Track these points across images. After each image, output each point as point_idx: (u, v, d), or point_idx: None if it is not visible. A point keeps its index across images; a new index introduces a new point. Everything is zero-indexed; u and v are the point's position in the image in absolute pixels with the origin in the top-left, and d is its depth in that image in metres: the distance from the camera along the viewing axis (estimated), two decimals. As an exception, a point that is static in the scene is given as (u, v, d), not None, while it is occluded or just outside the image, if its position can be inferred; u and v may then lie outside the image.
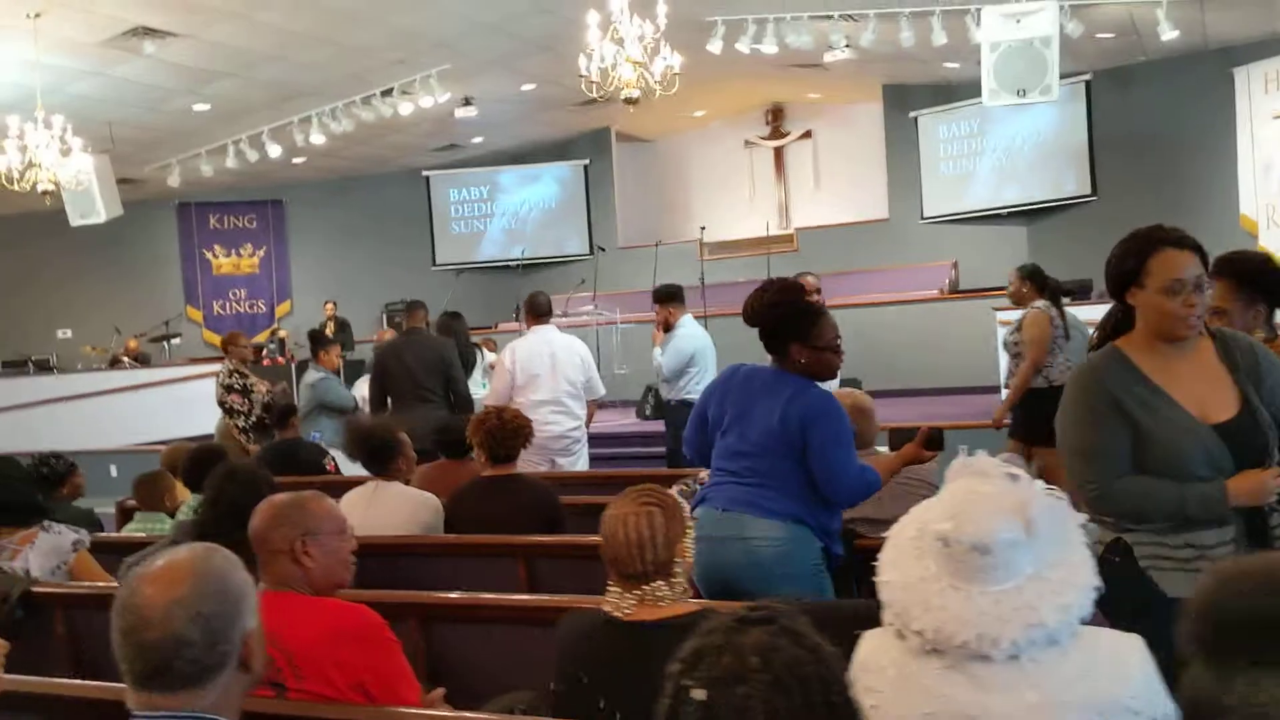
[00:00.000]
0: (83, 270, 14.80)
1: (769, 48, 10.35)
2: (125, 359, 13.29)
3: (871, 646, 1.87)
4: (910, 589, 1.81)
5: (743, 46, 10.34)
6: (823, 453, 3.17)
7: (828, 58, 10.81)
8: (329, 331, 12.70)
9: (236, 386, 7.32)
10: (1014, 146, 12.86)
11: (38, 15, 8.41)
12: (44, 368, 14.13)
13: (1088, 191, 12.29)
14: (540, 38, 10.75)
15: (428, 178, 15.65)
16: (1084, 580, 1.82)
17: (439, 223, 15.74)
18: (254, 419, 7.18)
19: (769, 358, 3.43)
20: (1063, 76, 12.08)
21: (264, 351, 12.77)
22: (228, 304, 15.55)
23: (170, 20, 9.06)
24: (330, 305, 13.84)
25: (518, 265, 15.19)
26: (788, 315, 3.32)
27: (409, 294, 14.88)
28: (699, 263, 14.68)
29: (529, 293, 6.77)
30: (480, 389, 7.52)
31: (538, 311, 6.55)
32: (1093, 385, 2.66)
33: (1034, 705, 1.73)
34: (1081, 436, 2.66)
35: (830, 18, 10.03)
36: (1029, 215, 13.02)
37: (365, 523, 4.16)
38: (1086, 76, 12.08)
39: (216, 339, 14.96)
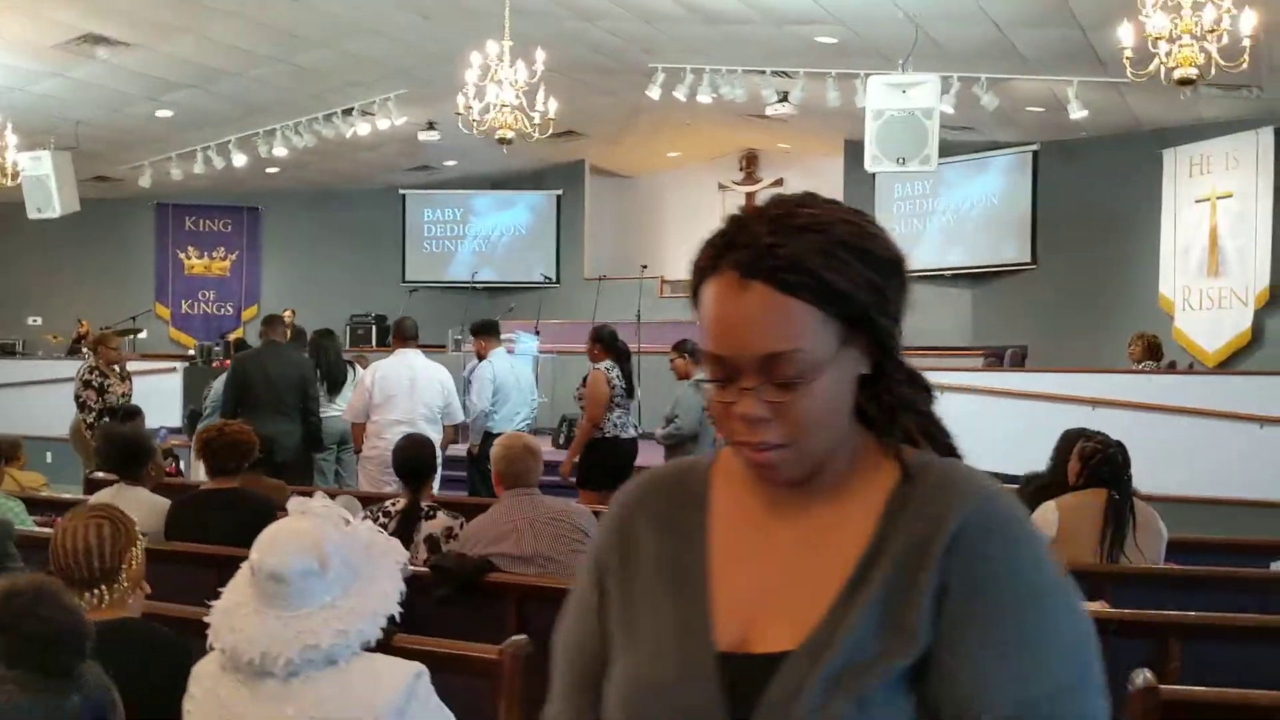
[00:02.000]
0: (57, 261, 15.26)
1: (704, 97, 10.59)
2: (84, 347, 13.67)
3: (205, 659, 2.08)
4: (226, 612, 2.02)
5: (679, 94, 10.58)
6: None
7: (769, 111, 11.06)
8: (286, 338, 13.03)
9: (94, 384, 7.60)
10: (962, 210, 13.00)
11: (-13, 16, 8.83)
12: (9, 352, 14.59)
13: (1027, 259, 12.38)
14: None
15: (404, 196, 16.02)
16: (373, 609, 2.04)
17: (411, 240, 16.09)
18: (97, 415, 7.43)
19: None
20: (1013, 145, 12.35)
21: (211, 353, 13.09)
22: (196, 304, 15.96)
23: (120, 30, 9.43)
24: (288, 313, 14.16)
25: (483, 287, 15.52)
26: None
27: (376, 308, 15.38)
28: (657, 299, 14.98)
29: (399, 319, 7.09)
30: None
31: (404, 335, 6.89)
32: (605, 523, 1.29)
33: (289, 718, 1.94)
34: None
35: (762, 73, 10.25)
36: (974, 278, 13.13)
37: (106, 523, 4.39)
38: (1034, 147, 12.21)
39: (184, 338, 15.42)
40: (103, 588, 2.39)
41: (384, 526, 4.10)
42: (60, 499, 5.48)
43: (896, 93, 7.96)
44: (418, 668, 2.07)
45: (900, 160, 7.93)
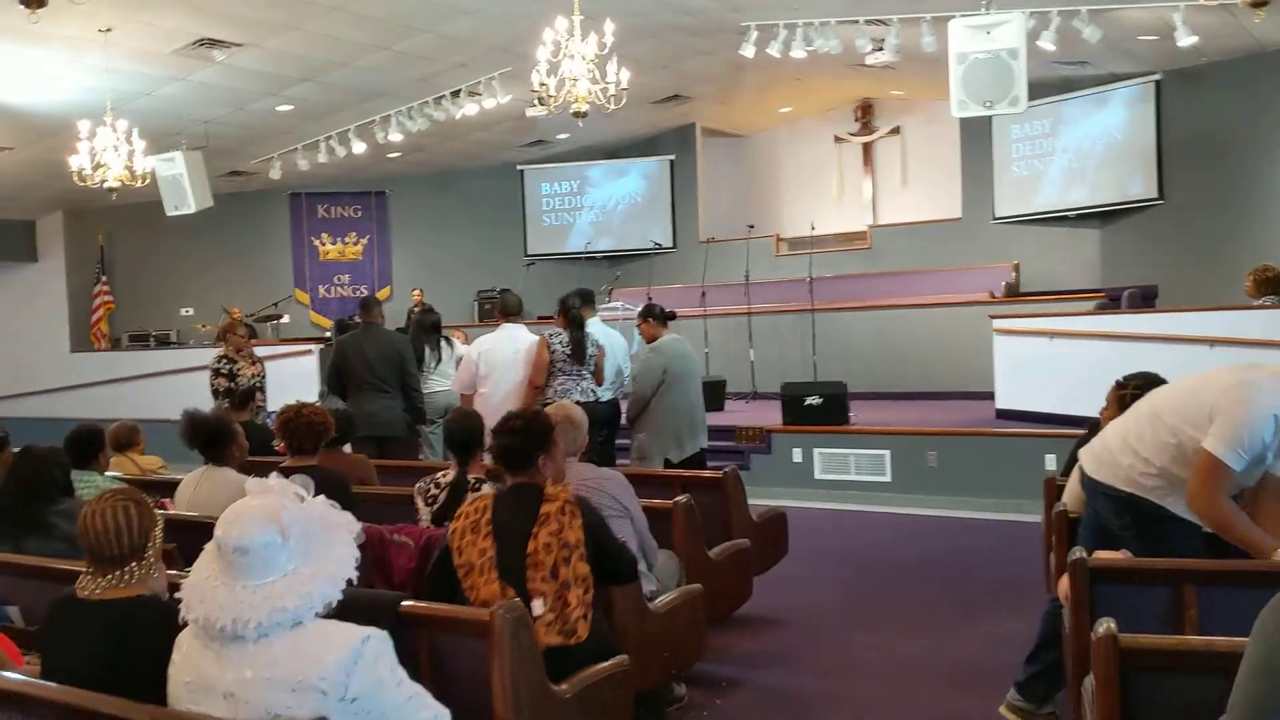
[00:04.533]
0: (204, 253, 16.21)
1: (799, 52, 10.46)
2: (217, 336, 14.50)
3: (187, 629, 2.29)
4: (196, 586, 2.22)
5: (773, 51, 10.49)
6: None
7: (869, 60, 10.87)
8: (382, 319, 13.56)
9: (223, 371, 8.09)
10: (1084, 148, 12.46)
11: (109, 29, 9.41)
12: (165, 343, 15.60)
13: (1154, 195, 11.81)
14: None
15: (521, 171, 16.34)
16: (331, 573, 2.22)
17: (531, 215, 16.42)
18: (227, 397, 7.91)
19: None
20: (1132, 77, 11.76)
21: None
22: (332, 288, 16.69)
23: (229, 32, 9.91)
24: (417, 293, 14.70)
25: (601, 256, 15.76)
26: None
27: (500, 283, 15.79)
28: (773, 258, 14.92)
29: (503, 294, 7.38)
30: (448, 380, 8.09)
31: (507, 310, 7.17)
32: None
33: (248, 679, 2.14)
34: None
35: (855, 22, 10.06)
36: (1101, 218, 12.60)
37: (193, 500, 4.76)
38: (1156, 77, 11.61)
39: (323, 320, 16.15)
40: (132, 565, 2.63)
41: (434, 497, 4.32)
42: (171, 480, 5.90)
43: (979, 34, 7.71)
44: (367, 632, 2.23)
45: (987, 103, 7.69)
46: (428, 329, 8.30)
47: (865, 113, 15.86)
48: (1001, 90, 7.62)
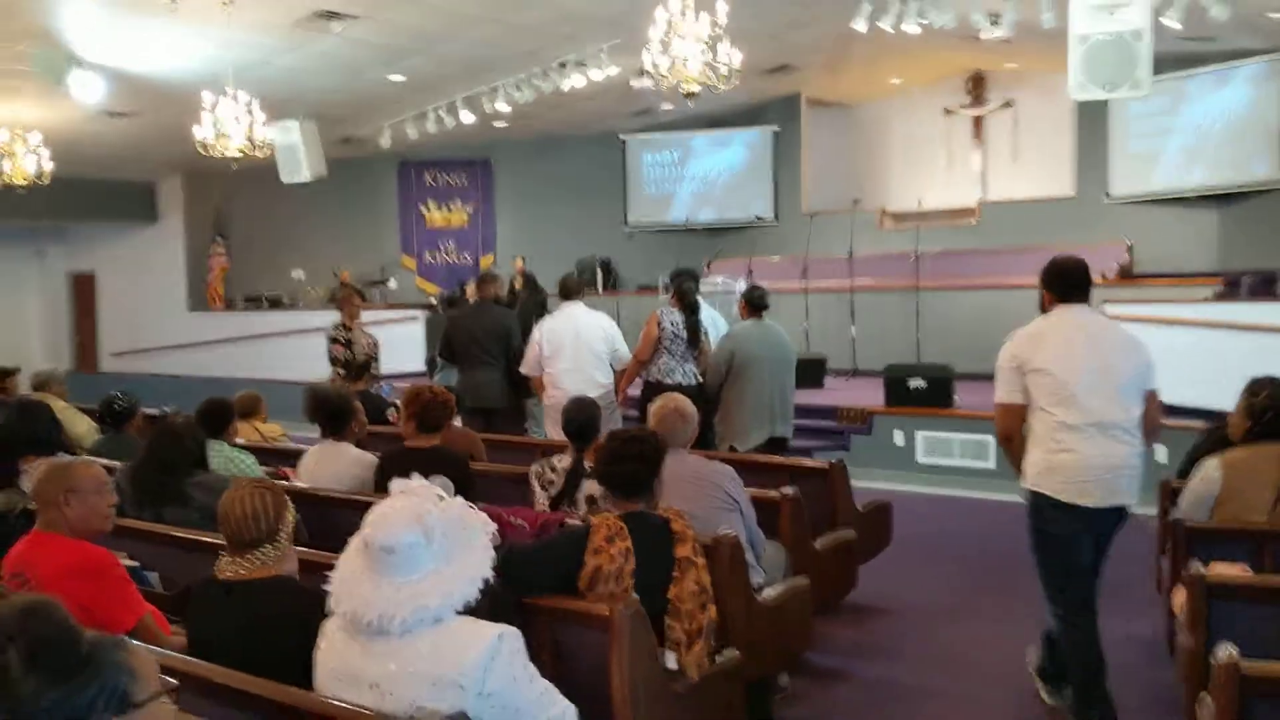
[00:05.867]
0: (315, 218, 16.62)
1: (911, 26, 10.27)
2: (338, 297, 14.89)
3: (332, 617, 2.43)
4: (344, 580, 2.35)
5: (885, 24, 10.32)
6: None
7: (983, 35, 10.62)
8: (516, 285, 13.78)
9: (340, 339, 8.32)
10: (1205, 126, 12.03)
11: (231, 2, 9.69)
12: (276, 304, 16.08)
13: (1278, 176, 11.37)
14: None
15: (624, 141, 16.37)
16: (471, 574, 2.34)
17: (633, 184, 16.45)
18: (344, 368, 8.12)
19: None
20: (1258, 54, 11.30)
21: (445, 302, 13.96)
22: (438, 254, 17.00)
23: (348, 4, 10.11)
24: (519, 261, 14.90)
25: (702, 228, 15.76)
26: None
27: (601, 251, 15.90)
28: (876, 231, 14.74)
29: (562, 276, 7.43)
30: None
31: (567, 292, 7.26)
32: None
33: (392, 672, 2.27)
34: None
35: (971, -4, 9.84)
36: (1221, 199, 12.17)
37: (315, 474, 4.96)
38: (1289, 53, 11.15)
39: (429, 286, 16.48)
40: (267, 547, 2.79)
41: (550, 483, 4.43)
42: (291, 449, 6.14)
43: (1102, 15, 7.48)
44: (502, 629, 2.34)
45: (1108, 86, 7.47)
46: (536, 307, 8.44)
47: (977, 85, 15.50)
48: (1124, 73, 7.40)
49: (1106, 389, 3.80)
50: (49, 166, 12.09)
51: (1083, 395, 3.78)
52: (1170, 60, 11.66)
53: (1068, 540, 3.87)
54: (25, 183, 11.94)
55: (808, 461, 5.87)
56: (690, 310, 6.83)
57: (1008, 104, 15.30)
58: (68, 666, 1.61)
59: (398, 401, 7.86)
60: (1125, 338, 3.99)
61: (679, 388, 6.63)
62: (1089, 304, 4.06)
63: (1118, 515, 3.89)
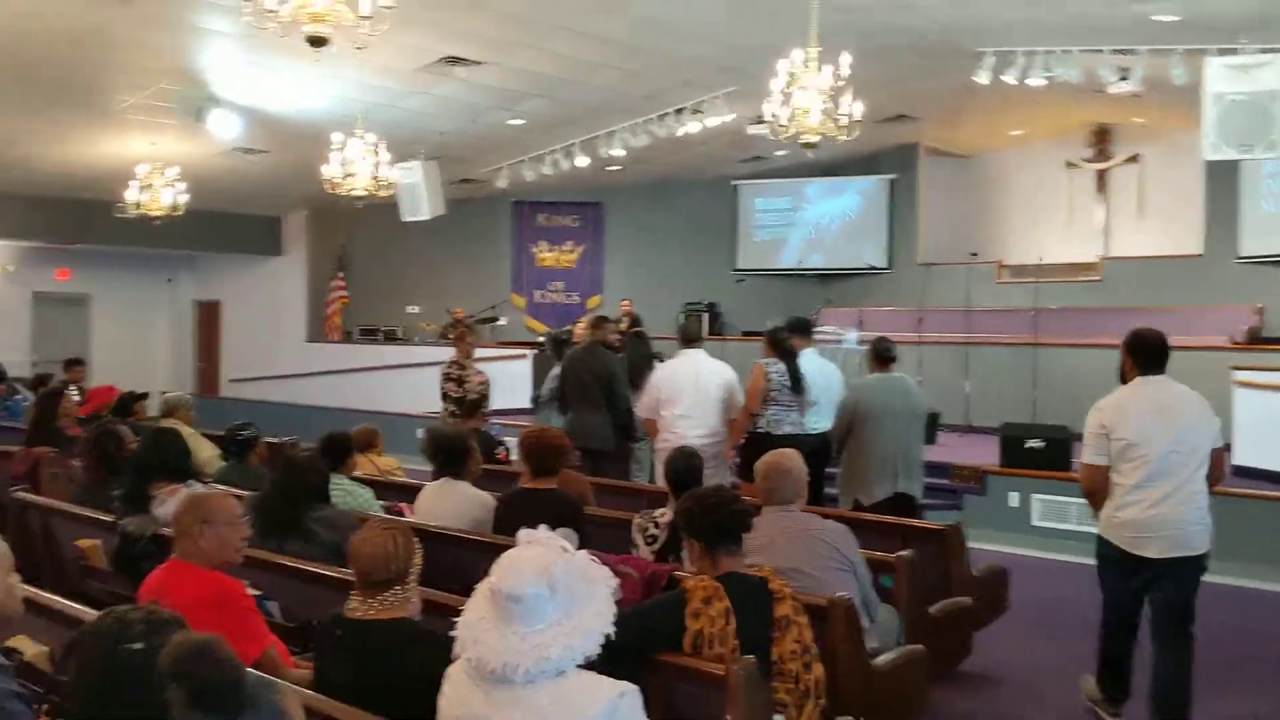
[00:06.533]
0: (431, 255, 17.00)
1: (1036, 80, 10.12)
2: (449, 335, 15.17)
3: (457, 662, 2.44)
4: (470, 626, 2.37)
5: (1010, 78, 10.18)
6: None
7: (1111, 90, 10.40)
8: (621, 328, 13.86)
9: (453, 376, 8.45)
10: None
11: (362, 48, 10.01)
12: (392, 338, 16.46)
13: None
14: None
15: (736, 187, 16.42)
16: (593, 627, 2.33)
17: (743, 229, 16.48)
18: (456, 404, 8.23)
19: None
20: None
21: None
22: (547, 294, 17.23)
23: (473, 50, 10.37)
24: (626, 303, 14.99)
25: (811, 274, 15.67)
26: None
27: (709, 296, 15.94)
28: (994, 285, 14.47)
29: (683, 321, 7.44)
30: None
31: (688, 337, 7.26)
32: None
33: None
34: None
35: (1099, 51, 9.65)
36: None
37: (433, 511, 5.03)
38: None
39: (537, 325, 16.69)
40: (397, 588, 2.83)
41: (653, 537, 4.41)
42: (406, 484, 6.24)
43: (1239, 75, 7.27)
44: (623, 687, 2.33)
45: (1244, 147, 7.23)
46: (645, 356, 8.45)
47: (1101, 138, 15.16)
48: (1259, 133, 7.16)
49: (1181, 456, 4.33)
50: (184, 199, 12.61)
51: (1158, 462, 4.31)
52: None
53: (1124, 581, 4.50)
54: (161, 214, 12.47)
55: (923, 523, 5.74)
56: (788, 356, 6.77)
57: (1133, 158, 14.93)
58: (229, 707, 1.65)
59: (506, 440, 7.98)
60: (1198, 407, 4.46)
61: (788, 437, 6.60)
62: (1165, 374, 4.51)
63: (1186, 562, 4.37)
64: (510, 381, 13.91)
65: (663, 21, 9.79)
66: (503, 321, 16.36)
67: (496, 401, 11.01)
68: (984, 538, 8.26)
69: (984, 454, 9.63)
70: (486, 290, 16.83)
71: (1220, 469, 4.48)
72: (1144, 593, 4.47)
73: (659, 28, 9.97)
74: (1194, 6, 8.03)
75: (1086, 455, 4.52)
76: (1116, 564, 4.44)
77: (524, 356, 14.70)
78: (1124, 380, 4.58)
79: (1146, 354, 4.47)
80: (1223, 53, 8.14)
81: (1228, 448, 9.07)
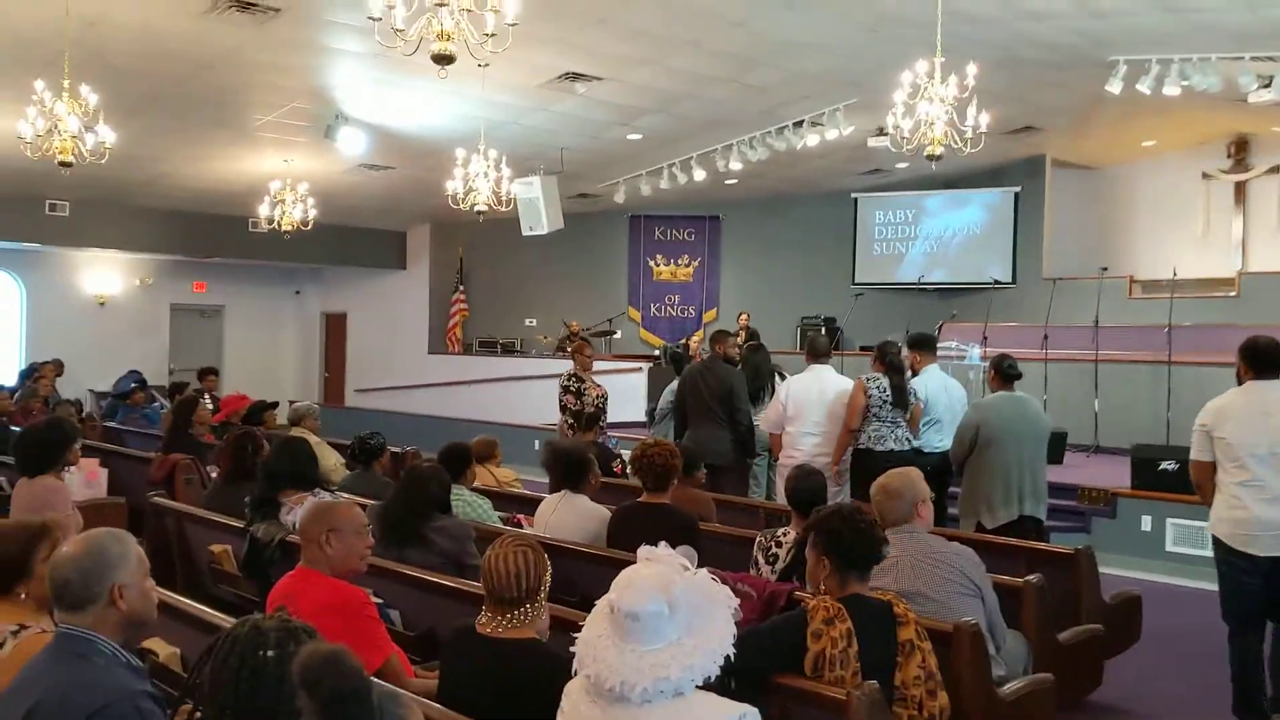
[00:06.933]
0: (548, 269, 17.23)
1: (1171, 89, 9.76)
2: (567, 348, 15.32)
3: (575, 680, 2.44)
4: (588, 643, 2.36)
5: (1144, 87, 9.85)
6: None
7: (1251, 99, 9.97)
8: (739, 340, 13.79)
9: (571, 389, 8.51)
10: None
11: (486, 65, 10.20)
12: (509, 350, 16.70)
13: None
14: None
15: (855, 199, 16.21)
16: (713, 648, 2.29)
17: (861, 243, 16.26)
18: (574, 417, 8.27)
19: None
20: None
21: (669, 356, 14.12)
22: (663, 307, 17.27)
23: (594, 66, 10.48)
24: (744, 316, 14.92)
25: (933, 288, 15.37)
26: None
27: (827, 310, 15.76)
28: (1125, 301, 13.99)
29: (811, 335, 7.33)
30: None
31: (816, 352, 7.16)
32: None
33: None
34: None
35: (1239, 58, 9.26)
36: None
37: (552, 524, 5.06)
38: None
39: (653, 338, 16.74)
40: (526, 606, 2.84)
41: (775, 556, 4.35)
42: (525, 495, 6.30)
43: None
44: (743, 710, 2.29)
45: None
46: (765, 371, 8.37)
47: (1240, 149, 14.53)
48: None
49: (1275, 458, 4.53)
50: (313, 214, 13.02)
51: (1254, 463, 4.54)
52: None
53: (1237, 576, 4.65)
54: (291, 228, 12.90)
55: (1051, 546, 5.55)
56: (895, 371, 6.65)
57: (1275, 169, 14.26)
58: (355, 717, 1.67)
59: (624, 453, 8.00)
60: None
61: (891, 454, 6.53)
62: (1278, 379, 4.68)
63: None
64: (626, 395, 13.98)
65: (781, 35, 9.74)
66: (618, 335, 16.46)
67: (613, 415, 11.06)
68: (1115, 563, 7.97)
69: (1114, 476, 9.28)
70: (603, 304, 16.95)
71: None
72: (1262, 594, 4.57)
73: (777, 41, 9.93)
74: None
75: (1193, 452, 4.86)
76: (1226, 562, 4.67)
77: (639, 370, 14.74)
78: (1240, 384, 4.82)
79: (1258, 359, 4.69)
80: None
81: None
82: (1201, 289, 13.62)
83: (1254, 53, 9.12)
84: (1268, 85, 9.28)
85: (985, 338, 12.01)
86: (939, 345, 11.22)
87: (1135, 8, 8.36)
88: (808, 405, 6.95)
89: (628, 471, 7.60)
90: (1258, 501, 4.52)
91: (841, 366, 12.11)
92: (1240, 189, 14.57)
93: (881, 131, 13.31)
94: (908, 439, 6.73)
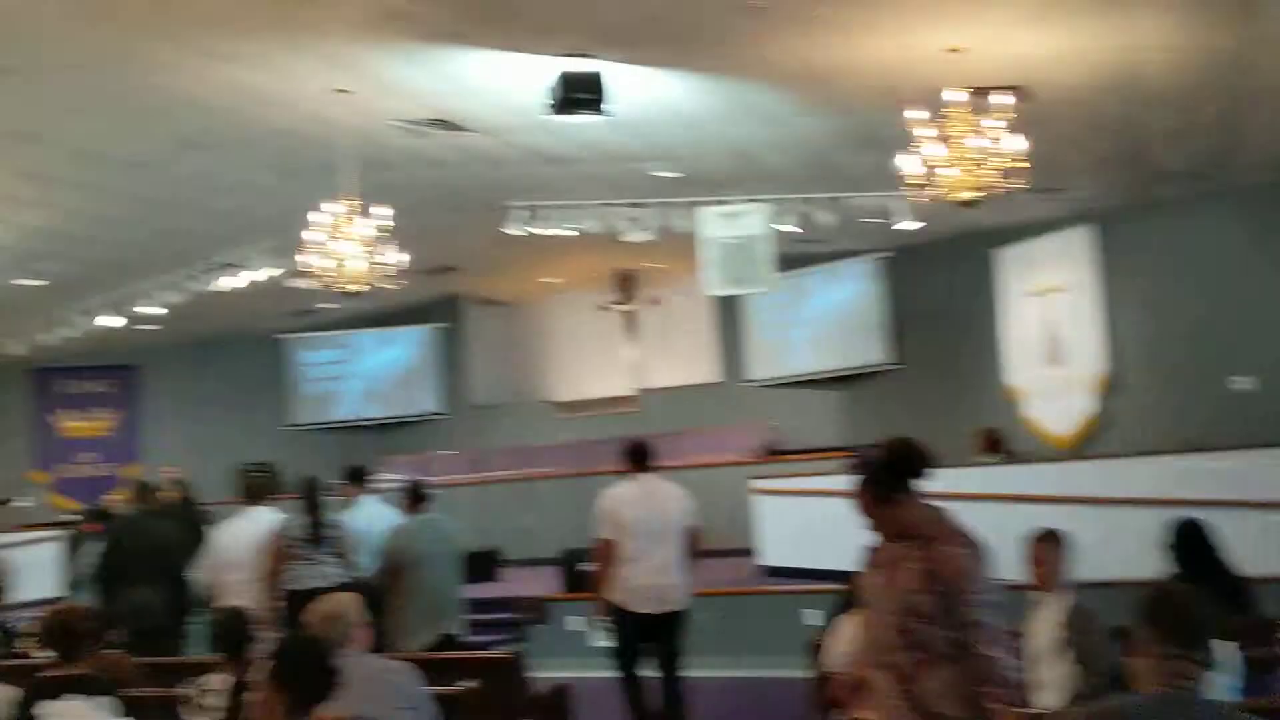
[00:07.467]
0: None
1: (560, 231, 10.99)
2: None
3: None
4: None
5: (538, 229, 10.97)
6: None
7: (626, 238, 11.50)
8: (170, 493, 12.85)
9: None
10: (823, 317, 13.54)
11: None
12: None
13: (895, 360, 12.91)
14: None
15: (279, 341, 16.10)
16: None
17: (293, 384, 16.13)
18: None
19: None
20: (867, 253, 12.97)
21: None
22: (77, 467, 15.73)
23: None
24: (171, 468, 13.98)
25: (372, 425, 15.61)
26: None
27: (259, 455, 15.20)
28: (555, 420, 15.21)
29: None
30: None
31: (251, 494, 6.92)
32: None
33: None
34: None
35: (613, 205, 10.70)
36: (844, 380, 13.61)
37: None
38: (889, 254, 12.84)
39: (69, 502, 15.11)
40: None
41: (211, 706, 4.16)
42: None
43: (727, 221, 8.43)
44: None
45: (737, 283, 8.34)
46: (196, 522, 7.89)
47: (626, 283, 16.59)
48: (750, 271, 8.32)
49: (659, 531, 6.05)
50: None
51: (646, 536, 5.98)
52: (789, 259, 13.16)
53: (626, 631, 6.16)
54: None
55: (487, 654, 5.86)
56: (312, 510, 6.59)
57: (656, 300, 16.47)
58: None
59: (33, 631, 7.11)
60: (676, 494, 6.27)
61: (316, 592, 6.32)
62: (651, 472, 6.22)
63: (675, 615, 6.14)
64: (36, 569, 12.39)
65: (188, 175, 9.56)
66: (25, 502, 14.65)
67: (23, 591, 9.87)
68: (551, 665, 8.47)
69: (550, 584, 9.96)
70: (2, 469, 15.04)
71: (697, 543, 6.12)
72: (642, 641, 5.96)
73: (184, 182, 9.72)
74: (689, 164, 9.17)
75: (601, 532, 6.07)
76: (620, 621, 6.02)
77: (54, 539, 13.18)
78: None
79: (633, 456, 6.15)
80: (715, 203, 9.35)
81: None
82: (609, 406, 15.26)
83: (625, 199, 10.58)
84: (640, 227, 10.80)
85: (430, 465, 12.43)
86: (379, 477, 11.46)
87: (526, 159, 9.36)
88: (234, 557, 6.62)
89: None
90: (648, 568, 5.82)
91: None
92: (630, 318, 16.61)
93: (302, 273, 13.45)
94: (333, 574, 6.59)
